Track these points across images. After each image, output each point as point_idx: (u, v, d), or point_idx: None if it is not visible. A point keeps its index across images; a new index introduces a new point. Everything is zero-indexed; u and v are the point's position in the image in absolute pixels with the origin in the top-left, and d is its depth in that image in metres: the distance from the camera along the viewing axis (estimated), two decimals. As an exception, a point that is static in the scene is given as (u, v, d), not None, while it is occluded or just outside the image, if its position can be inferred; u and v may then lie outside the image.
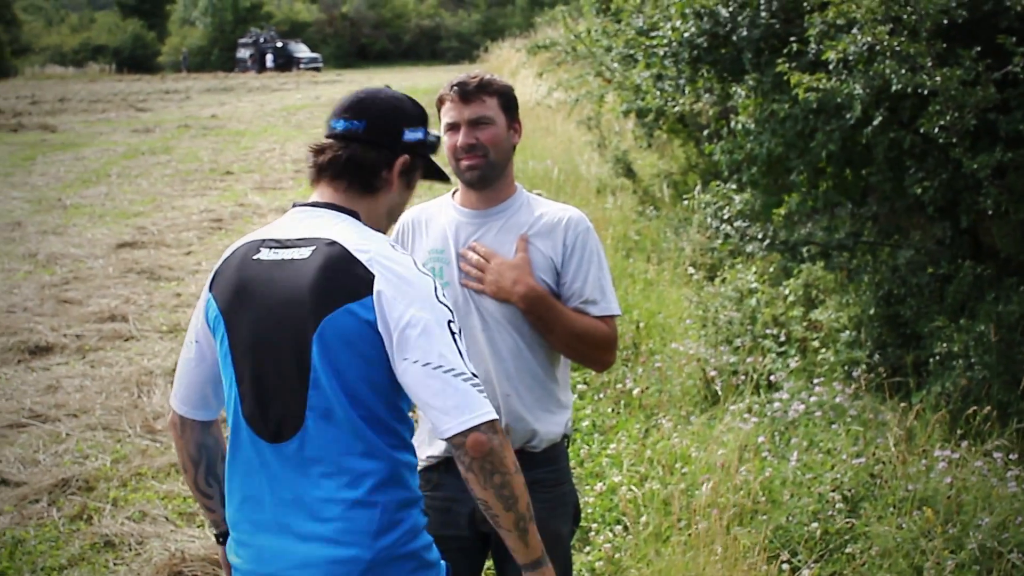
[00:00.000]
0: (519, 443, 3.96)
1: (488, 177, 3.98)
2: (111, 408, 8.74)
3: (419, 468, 4.07)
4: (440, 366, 2.90)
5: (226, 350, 3.17)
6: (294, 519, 3.06)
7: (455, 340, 2.97)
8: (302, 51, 75.52)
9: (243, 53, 76.04)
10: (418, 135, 3.30)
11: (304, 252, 3.06)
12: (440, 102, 4.02)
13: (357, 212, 3.19)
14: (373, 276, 2.97)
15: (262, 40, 75.47)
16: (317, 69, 71.09)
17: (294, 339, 3.00)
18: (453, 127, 3.95)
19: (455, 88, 3.95)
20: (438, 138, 3.44)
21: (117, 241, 15.34)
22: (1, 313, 11.52)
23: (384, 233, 3.30)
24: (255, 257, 3.15)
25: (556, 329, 3.92)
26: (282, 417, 3.04)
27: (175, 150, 26.25)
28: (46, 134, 30.53)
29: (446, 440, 2.96)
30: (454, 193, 4.18)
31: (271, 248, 3.14)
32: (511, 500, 2.99)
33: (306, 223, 3.16)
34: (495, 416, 2.94)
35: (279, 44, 74.85)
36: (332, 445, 3.02)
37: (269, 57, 72.69)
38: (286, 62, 72.22)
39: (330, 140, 3.25)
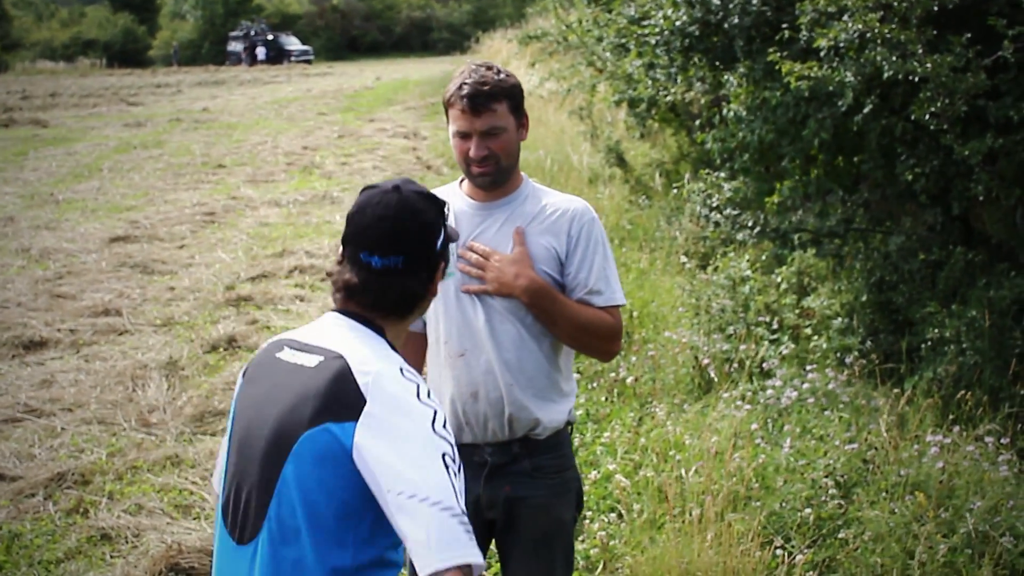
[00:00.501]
0: (523, 431, 3.98)
1: (498, 181, 3.98)
2: (106, 402, 8.74)
3: None
4: (427, 498, 2.72)
5: (227, 439, 3.16)
6: None
7: (449, 474, 2.79)
8: (293, 44, 75.37)
9: (234, 46, 75.89)
10: (442, 235, 3.19)
11: (312, 360, 3.00)
12: (449, 105, 3.97)
13: (383, 328, 3.10)
14: (364, 402, 2.85)
15: (253, 33, 75.30)
16: (308, 61, 71.02)
17: (275, 447, 2.93)
18: (464, 136, 3.92)
19: (465, 100, 3.87)
20: (447, 207, 3.29)
21: (110, 235, 15.30)
22: (-5, 308, 11.53)
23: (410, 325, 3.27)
24: (276, 355, 3.11)
25: (560, 321, 3.93)
26: (245, 521, 2.98)
27: (167, 144, 26.20)
28: (37, 129, 30.45)
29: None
30: (461, 182, 4.18)
31: (292, 349, 3.09)
32: None
33: (329, 331, 3.09)
34: (476, 561, 2.74)
35: (270, 37, 74.68)
36: (284, 562, 2.90)
37: (261, 50, 72.58)
38: (277, 55, 72.13)
39: (364, 275, 3.07)
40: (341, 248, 3.15)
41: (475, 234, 4.02)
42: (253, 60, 71.38)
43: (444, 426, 2.88)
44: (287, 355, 3.07)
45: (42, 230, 15.98)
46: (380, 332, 3.08)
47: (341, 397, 2.86)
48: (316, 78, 52.64)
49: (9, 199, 18.82)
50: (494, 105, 3.89)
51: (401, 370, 2.96)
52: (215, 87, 48.29)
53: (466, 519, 2.74)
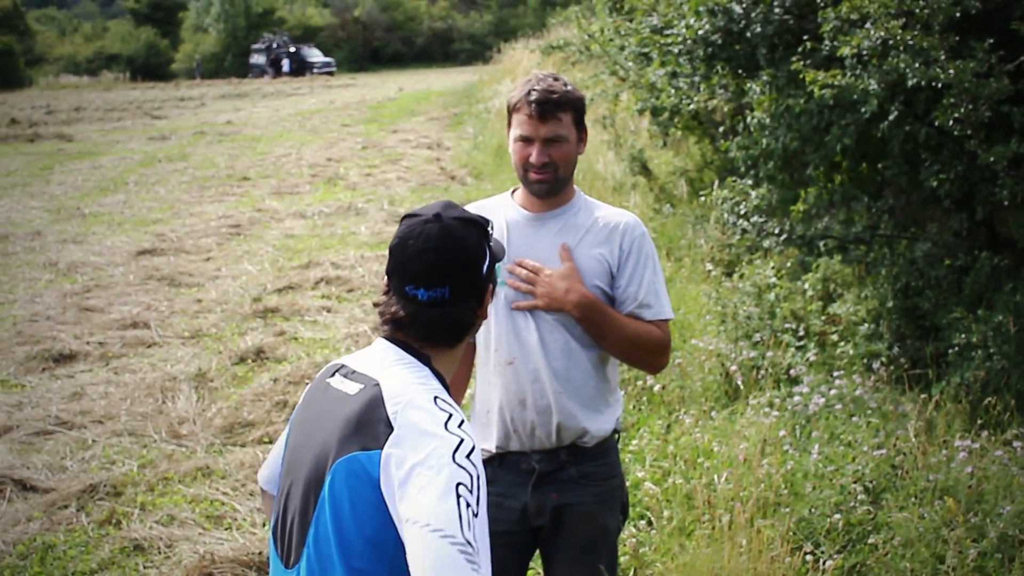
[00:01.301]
0: (570, 439, 4.01)
1: (554, 190, 4.01)
2: (136, 414, 8.81)
3: None
4: (428, 524, 2.67)
5: (282, 459, 3.20)
6: None
7: (460, 504, 2.71)
8: (315, 55, 75.57)
9: (257, 59, 76.14)
10: (488, 259, 3.13)
11: (354, 388, 2.98)
12: (515, 109, 4.01)
13: (430, 357, 3.06)
14: (392, 430, 2.81)
15: (275, 45, 75.55)
16: (331, 73, 71.22)
17: (314, 473, 2.93)
18: (527, 140, 3.96)
19: (533, 105, 3.91)
20: (492, 225, 3.25)
21: (137, 248, 15.42)
22: (24, 322, 11.62)
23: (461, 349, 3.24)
24: (328, 380, 3.12)
25: (609, 335, 3.95)
26: (290, 545, 3.00)
27: (191, 157, 26.33)
28: (63, 143, 30.65)
29: None
30: (513, 192, 4.21)
31: (342, 376, 3.08)
32: None
33: (374, 358, 3.07)
34: None
35: (292, 49, 74.91)
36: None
37: (285, 62, 72.79)
38: (299, 67, 72.33)
39: (412, 308, 3.04)
40: (386, 279, 3.13)
41: (528, 245, 4.04)
42: (276, 72, 71.63)
43: (469, 456, 2.81)
44: (336, 381, 3.07)
45: (69, 244, 16.11)
46: (426, 360, 3.05)
47: (371, 426, 2.85)
48: (339, 90, 52.78)
49: (36, 213, 18.96)
50: (560, 114, 3.92)
51: (435, 398, 2.92)
52: (238, 100, 48.50)
53: (471, 550, 2.67)
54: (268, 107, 42.63)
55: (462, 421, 2.89)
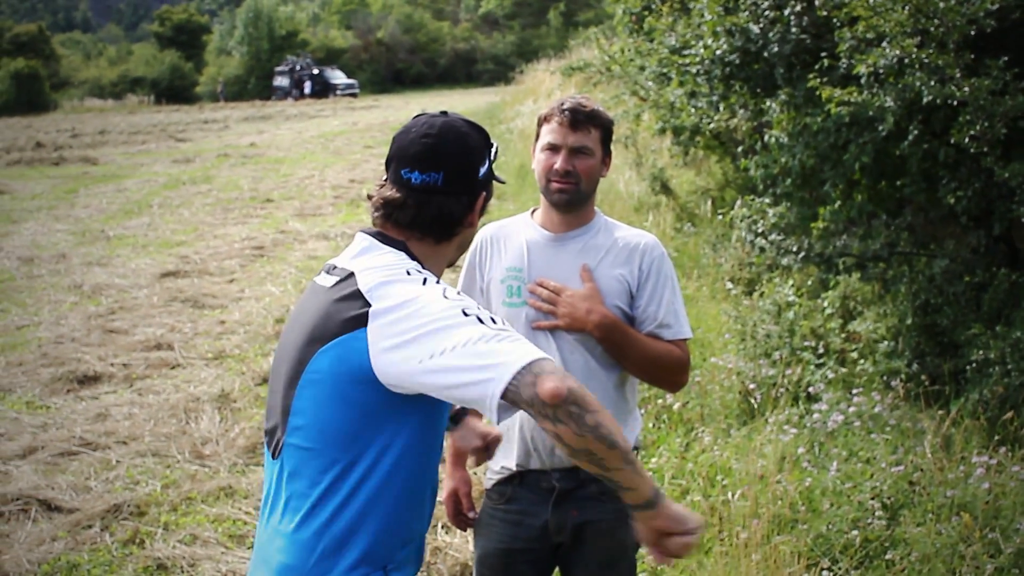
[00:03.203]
0: None
1: (573, 203, 4.04)
2: (160, 435, 8.86)
3: (493, 480, 4.16)
4: (453, 347, 2.65)
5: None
6: (265, 542, 3.04)
7: (470, 319, 2.72)
8: (338, 77, 75.82)
9: (280, 81, 76.42)
10: (487, 165, 3.19)
11: (331, 281, 3.02)
12: (545, 120, 4.07)
13: (406, 243, 3.08)
14: (369, 305, 2.83)
15: (299, 67, 75.83)
16: (354, 95, 71.41)
17: (294, 366, 2.96)
18: (553, 148, 4.01)
19: (566, 112, 3.98)
20: (497, 149, 3.30)
21: (161, 271, 15.51)
22: (49, 344, 11.69)
23: (454, 262, 3.27)
24: (315, 279, 3.16)
25: (630, 355, 3.98)
26: (276, 436, 3.03)
27: (215, 179, 26.44)
28: (87, 166, 30.80)
29: (502, 407, 2.64)
30: (533, 212, 4.25)
31: (325, 272, 3.12)
32: (607, 441, 2.66)
33: (354, 251, 3.09)
34: (542, 355, 2.65)
35: (315, 71, 75.17)
36: (299, 478, 2.94)
37: (308, 84, 73.02)
38: (323, 89, 72.55)
39: (404, 192, 3.08)
40: (384, 168, 3.20)
41: (549, 265, 4.07)
42: (299, 94, 71.85)
43: (458, 294, 2.85)
44: (320, 278, 3.11)
45: (94, 266, 16.20)
46: (400, 246, 3.08)
47: (347, 310, 2.86)
48: (362, 111, 52.90)
49: (61, 236, 19.08)
50: (590, 127, 3.99)
51: (407, 271, 2.94)
52: (262, 122, 48.65)
53: (502, 330, 2.70)
54: (291, 129, 42.78)
55: (438, 280, 2.93)
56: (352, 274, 2.96)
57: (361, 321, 2.82)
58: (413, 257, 3.06)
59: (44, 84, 79.01)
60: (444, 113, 3.18)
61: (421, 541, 3.18)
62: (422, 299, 2.79)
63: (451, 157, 3.08)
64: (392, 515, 2.95)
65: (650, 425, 8.31)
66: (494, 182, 3.26)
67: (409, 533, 3.05)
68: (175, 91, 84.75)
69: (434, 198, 3.06)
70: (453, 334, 2.69)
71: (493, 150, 3.25)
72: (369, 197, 3.19)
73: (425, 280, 2.90)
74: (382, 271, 2.93)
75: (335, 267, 3.09)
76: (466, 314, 2.75)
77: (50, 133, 44.21)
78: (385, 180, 3.16)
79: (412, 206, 3.06)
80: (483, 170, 3.16)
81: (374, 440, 2.88)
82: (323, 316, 2.92)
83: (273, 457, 3.05)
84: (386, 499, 2.91)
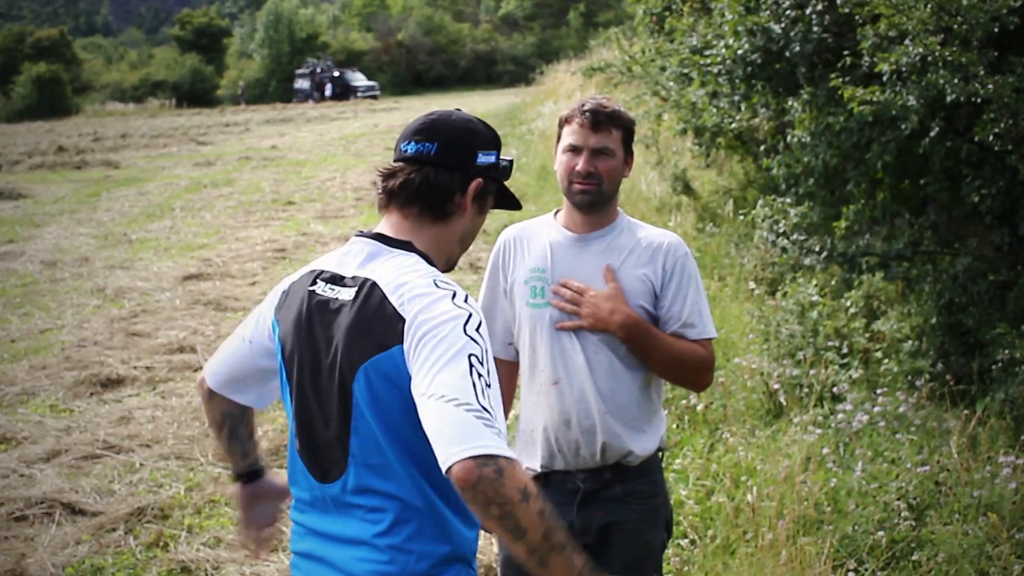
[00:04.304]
0: (615, 458, 4.03)
1: (596, 204, 4.04)
2: (183, 437, 8.87)
3: None
4: (443, 396, 2.69)
5: (284, 381, 3.22)
6: (335, 554, 3.05)
7: (472, 373, 2.74)
8: (359, 80, 75.96)
9: (301, 84, 76.56)
10: (491, 159, 3.20)
11: (349, 294, 3.02)
12: (566, 121, 4.08)
13: (412, 242, 3.10)
14: (404, 321, 2.86)
15: (319, 70, 75.96)
16: (374, 97, 71.52)
17: (337, 385, 2.97)
18: (575, 150, 4.01)
19: (587, 114, 4.00)
20: (511, 163, 3.34)
21: (183, 273, 15.53)
22: (73, 347, 11.72)
23: (456, 259, 3.29)
24: (311, 288, 3.15)
25: (655, 355, 3.98)
26: (327, 461, 3.04)
27: (237, 182, 26.49)
28: (109, 170, 30.90)
29: (446, 475, 2.69)
30: (556, 213, 4.25)
31: (325, 282, 3.12)
32: (517, 531, 2.67)
33: (359, 258, 3.11)
34: (498, 452, 2.64)
35: (336, 73, 75.32)
36: (370, 493, 2.97)
37: (328, 87, 73.14)
38: (343, 91, 72.66)
39: (400, 164, 3.15)
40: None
41: (572, 266, 4.07)
42: (320, 97, 71.95)
43: (478, 329, 2.86)
44: (322, 290, 3.11)
45: (116, 270, 16.24)
46: (407, 246, 3.10)
47: (382, 324, 2.89)
48: (383, 113, 52.92)
49: (84, 239, 19.14)
50: (611, 127, 4.00)
51: (434, 281, 2.95)
52: (283, 124, 48.73)
53: (488, 415, 2.70)
54: (312, 131, 42.83)
55: (466, 296, 2.94)
56: (372, 283, 2.98)
57: (398, 337, 2.86)
58: (422, 256, 3.08)
59: (66, 88, 79.32)
60: (458, 110, 3.25)
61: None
62: (445, 324, 2.83)
63: (448, 130, 3.14)
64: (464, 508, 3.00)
65: (674, 426, 8.28)
66: (501, 187, 3.31)
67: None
68: (196, 94, 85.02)
69: (425, 167, 3.09)
70: (449, 378, 2.72)
71: (505, 158, 3.28)
72: (374, 184, 3.21)
73: (454, 294, 2.91)
74: (409, 278, 2.95)
75: (340, 276, 3.10)
76: (470, 364, 2.76)
77: (72, 137, 44.39)
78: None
79: (403, 174, 3.11)
80: (483, 158, 3.18)
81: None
82: (359, 332, 2.94)
83: (325, 481, 3.07)
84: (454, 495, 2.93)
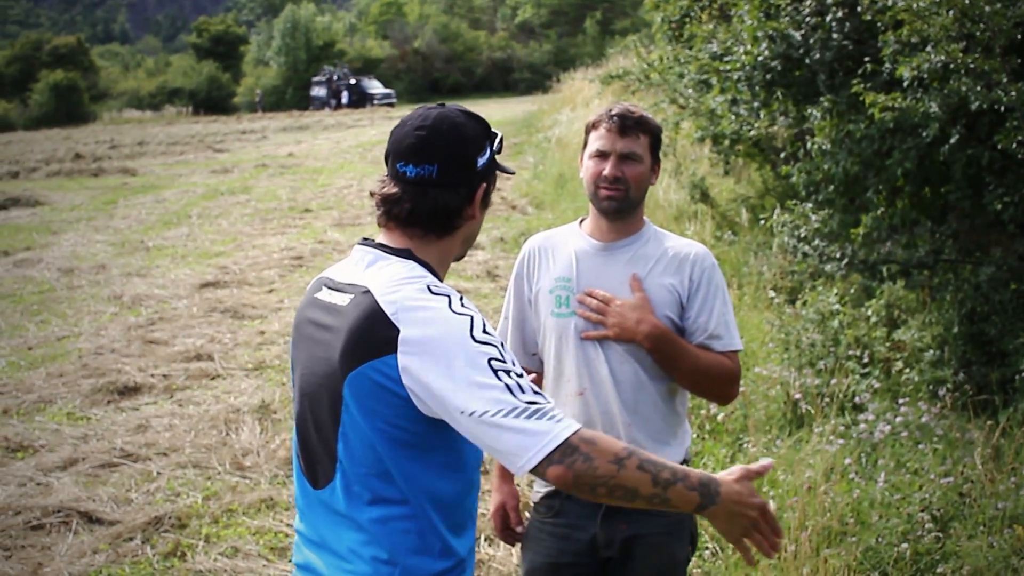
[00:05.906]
0: None
1: (622, 210, 4.01)
2: (200, 446, 8.84)
3: (541, 494, 4.12)
4: (486, 412, 2.70)
5: (293, 384, 3.22)
6: (324, 558, 3.04)
7: (500, 379, 2.74)
8: (375, 87, 76.03)
9: (317, 91, 76.71)
10: (486, 156, 3.12)
11: (345, 299, 2.98)
12: (593, 127, 4.05)
13: (409, 249, 3.05)
14: (398, 331, 2.80)
15: (336, 77, 76.09)
16: (391, 104, 71.57)
17: (329, 392, 2.94)
18: (602, 155, 3.98)
19: (614, 119, 3.97)
20: (501, 139, 3.23)
21: (200, 281, 15.53)
22: (90, 355, 11.71)
23: (461, 257, 3.25)
24: (315, 296, 3.13)
25: (681, 366, 3.93)
26: (318, 466, 3.03)
27: (254, 189, 26.52)
28: (126, 177, 30.98)
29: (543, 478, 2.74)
30: (581, 221, 4.22)
31: (329, 289, 3.09)
32: (630, 493, 2.74)
33: (356, 264, 3.09)
34: (566, 434, 2.69)
35: (352, 81, 75.42)
36: (356, 500, 2.94)
37: (345, 94, 73.27)
38: (360, 98, 72.78)
39: (400, 187, 3.06)
40: (384, 165, 3.17)
41: (598, 275, 4.04)
42: (337, 104, 72.09)
43: (484, 329, 2.83)
44: (324, 296, 3.08)
45: (133, 277, 16.26)
46: (406, 254, 3.04)
47: (375, 332, 2.84)
48: (399, 121, 52.92)
49: (101, 247, 19.16)
50: (639, 132, 3.97)
51: (427, 287, 2.91)
52: (299, 132, 48.86)
53: (534, 405, 2.72)
54: (329, 139, 42.92)
55: (461, 298, 2.90)
56: (365, 290, 2.94)
57: (391, 346, 2.81)
58: (421, 263, 3.03)
59: (83, 96, 79.72)
60: (441, 105, 3.16)
61: None
62: (452, 336, 2.79)
63: (445, 149, 3.04)
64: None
65: (695, 436, 8.23)
66: (500, 172, 3.24)
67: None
68: (213, 102, 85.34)
69: (430, 191, 3.02)
70: (482, 393, 2.72)
71: (496, 140, 3.20)
72: (372, 195, 3.16)
73: (450, 300, 2.87)
74: (402, 287, 2.91)
75: (339, 283, 3.07)
76: (494, 369, 2.75)
77: (89, 144, 44.48)
78: (386, 176, 3.14)
79: (408, 200, 3.03)
80: (482, 160, 3.11)
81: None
82: (349, 338, 2.89)
83: (316, 487, 3.06)
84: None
